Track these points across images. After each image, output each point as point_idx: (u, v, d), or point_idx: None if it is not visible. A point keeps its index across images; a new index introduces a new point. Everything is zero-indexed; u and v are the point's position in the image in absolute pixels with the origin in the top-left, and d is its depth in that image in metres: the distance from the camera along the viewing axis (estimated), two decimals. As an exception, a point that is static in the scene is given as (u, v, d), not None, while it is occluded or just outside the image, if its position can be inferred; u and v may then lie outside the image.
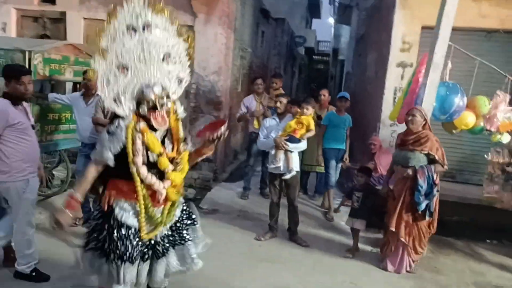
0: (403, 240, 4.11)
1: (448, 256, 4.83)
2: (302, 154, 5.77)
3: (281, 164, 4.62)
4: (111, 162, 2.37)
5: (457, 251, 4.99)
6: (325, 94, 6.43)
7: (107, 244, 2.42)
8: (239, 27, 7.94)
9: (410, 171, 4.04)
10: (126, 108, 2.39)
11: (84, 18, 7.15)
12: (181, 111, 2.62)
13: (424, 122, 4.11)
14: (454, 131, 4.86)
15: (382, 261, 4.36)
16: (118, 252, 2.38)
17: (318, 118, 5.82)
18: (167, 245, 2.57)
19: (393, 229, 4.14)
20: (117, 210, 2.46)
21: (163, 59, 2.50)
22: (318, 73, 29.85)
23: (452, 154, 6.02)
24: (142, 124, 2.39)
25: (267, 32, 12.02)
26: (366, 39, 9.57)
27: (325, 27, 32.17)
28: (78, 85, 5.60)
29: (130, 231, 2.42)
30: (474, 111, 4.68)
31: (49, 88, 5.76)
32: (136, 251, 2.42)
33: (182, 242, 2.63)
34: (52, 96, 5.06)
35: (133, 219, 2.45)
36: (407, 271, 4.25)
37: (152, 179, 2.41)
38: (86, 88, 4.74)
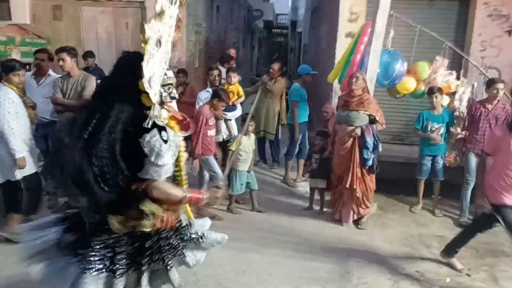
0: (358, 195, 4.45)
1: (396, 212, 5.22)
2: (259, 121, 6.12)
3: (223, 132, 4.98)
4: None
5: (404, 208, 5.39)
6: (274, 68, 6.55)
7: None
8: (191, 2, 7.89)
9: (358, 131, 4.34)
10: (155, 93, 1.95)
11: (30, -3, 6.91)
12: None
13: (364, 85, 4.38)
14: (397, 96, 5.18)
15: (334, 215, 4.76)
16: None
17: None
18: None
19: (348, 185, 4.46)
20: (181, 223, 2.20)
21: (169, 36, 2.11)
22: (278, 46, 29.89)
23: (399, 118, 6.40)
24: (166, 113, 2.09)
25: (222, 7, 11.95)
26: (319, 11, 9.74)
27: (283, 0, 32.05)
28: (28, 66, 5.47)
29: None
30: (415, 76, 4.99)
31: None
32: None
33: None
34: None
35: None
36: (359, 228, 4.60)
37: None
38: (38, 68, 4.67)
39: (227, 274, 3.42)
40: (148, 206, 1.98)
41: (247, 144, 4.85)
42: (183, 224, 2.22)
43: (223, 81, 5.62)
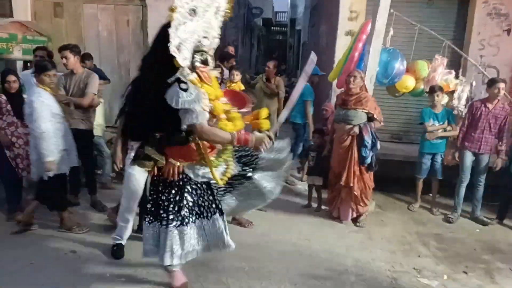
0: (356, 193, 4.48)
1: (394, 211, 5.26)
2: None
3: None
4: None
5: (402, 206, 5.43)
6: (269, 66, 6.56)
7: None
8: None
9: (356, 129, 4.37)
10: (182, 58, 2.28)
11: (32, -6, 6.91)
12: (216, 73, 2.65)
13: (362, 84, 4.41)
14: (396, 94, 5.21)
15: (332, 213, 4.81)
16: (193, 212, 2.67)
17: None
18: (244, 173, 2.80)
19: (345, 183, 4.50)
20: (190, 173, 2.62)
21: (215, 12, 2.44)
22: (277, 44, 29.86)
23: (398, 117, 6.44)
24: (195, 76, 2.38)
25: (222, 4, 11.94)
26: (318, 9, 9.76)
27: (282, -2, 31.99)
28: (28, 63, 5.50)
29: (202, 189, 2.70)
30: (414, 74, 5.03)
31: (2, 68, 5.61)
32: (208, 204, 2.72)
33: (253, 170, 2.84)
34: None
35: (201, 178, 2.66)
36: (357, 226, 4.64)
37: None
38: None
39: (227, 270, 3.46)
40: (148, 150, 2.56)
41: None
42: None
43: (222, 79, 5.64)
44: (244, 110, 2.63)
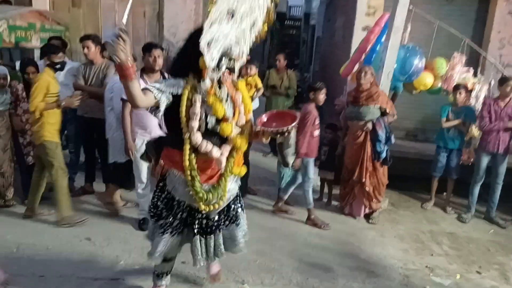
0: (367, 189, 4.47)
1: (408, 209, 5.23)
2: None
3: None
4: (162, 106, 2.16)
5: (415, 204, 5.39)
6: (280, 59, 6.55)
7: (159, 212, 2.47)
8: (207, -8, 7.90)
9: (369, 125, 4.35)
10: (210, 57, 2.10)
11: (50, -17, 6.96)
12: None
13: (372, 80, 4.37)
14: (414, 92, 5.15)
15: (344, 209, 4.80)
16: (162, 221, 2.45)
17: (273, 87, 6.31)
18: (221, 222, 2.53)
19: (357, 178, 4.49)
20: (168, 180, 2.41)
21: (251, 26, 2.23)
22: (290, 39, 29.67)
23: (413, 114, 6.38)
24: (208, 84, 2.20)
25: (237, -3, 11.89)
26: (335, 3, 9.67)
27: (297, -8, 31.74)
28: (46, 52, 5.54)
29: (176, 203, 2.42)
30: (432, 72, 4.97)
31: (18, 56, 5.68)
32: (177, 224, 2.44)
33: (235, 222, 2.61)
34: (19, 64, 5.01)
35: (182, 191, 2.35)
36: (369, 222, 4.62)
37: (207, 146, 2.23)
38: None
39: (238, 263, 3.48)
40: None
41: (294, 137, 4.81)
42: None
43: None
44: (293, 125, 2.33)
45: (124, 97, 3.80)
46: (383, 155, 4.42)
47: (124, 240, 3.70)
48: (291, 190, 4.59)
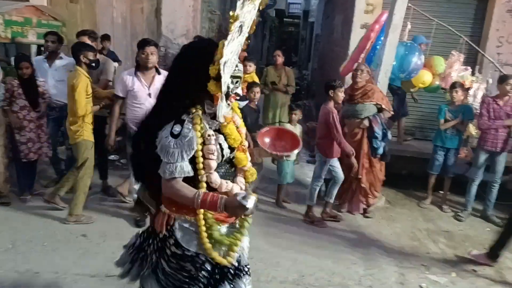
0: (364, 185, 4.48)
1: (404, 207, 5.23)
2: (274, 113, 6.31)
3: None
4: (192, 172, 1.75)
5: (412, 202, 5.39)
6: (279, 55, 6.54)
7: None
8: (206, -11, 7.86)
9: (366, 122, 4.35)
10: (224, 81, 1.69)
11: (47, -22, 6.92)
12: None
13: (368, 78, 4.37)
14: (412, 89, 5.14)
15: (341, 207, 4.80)
16: None
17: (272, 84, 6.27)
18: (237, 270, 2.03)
19: (354, 176, 4.50)
20: (178, 233, 1.82)
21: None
22: (289, 36, 29.65)
23: (411, 112, 6.36)
24: (228, 111, 1.81)
25: (236, -6, 11.86)
26: (333, 1, 9.65)
27: (296, -11, 31.67)
28: (42, 48, 5.52)
29: (199, 261, 1.82)
30: (430, 70, 4.96)
31: (14, 51, 5.65)
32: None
33: (246, 272, 2.10)
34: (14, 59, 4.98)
35: (194, 247, 1.82)
36: (365, 216, 4.65)
37: (228, 185, 1.83)
38: (49, 51, 4.70)
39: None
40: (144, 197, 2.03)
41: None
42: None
43: None
44: (295, 151, 2.12)
45: (116, 92, 3.83)
46: (380, 151, 4.43)
47: (120, 236, 3.67)
48: (335, 192, 4.51)
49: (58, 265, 3.20)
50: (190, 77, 1.77)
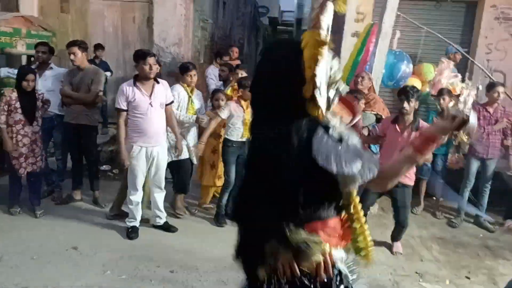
0: None
1: (398, 213, 5.22)
2: None
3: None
4: None
5: (405, 209, 5.39)
6: None
7: None
8: (198, -3, 7.90)
9: (365, 131, 4.38)
10: (323, 96, 1.46)
11: (38, -11, 6.93)
12: None
13: (370, 85, 4.40)
14: (402, 97, 5.16)
15: None
16: None
17: None
18: None
19: None
20: (342, 267, 1.53)
21: None
22: (283, 44, 29.71)
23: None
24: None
25: (228, 3, 11.93)
26: (325, 9, 9.72)
27: (289, -3, 31.87)
28: (32, 58, 5.49)
29: None
30: (420, 77, 4.99)
31: (3, 62, 5.62)
32: None
33: None
34: (4, 70, 4.98)
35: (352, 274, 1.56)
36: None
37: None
38: (39, 61, 4.69)
39: (227, 269, 3.44)
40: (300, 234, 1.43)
41: None
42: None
43: None
44: (356, 119, 1.92)
45: (118, 106, 3.79)
46: None
47: (111, 249, 3.65)
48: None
49: (48, 278, 3.15)
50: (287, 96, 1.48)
